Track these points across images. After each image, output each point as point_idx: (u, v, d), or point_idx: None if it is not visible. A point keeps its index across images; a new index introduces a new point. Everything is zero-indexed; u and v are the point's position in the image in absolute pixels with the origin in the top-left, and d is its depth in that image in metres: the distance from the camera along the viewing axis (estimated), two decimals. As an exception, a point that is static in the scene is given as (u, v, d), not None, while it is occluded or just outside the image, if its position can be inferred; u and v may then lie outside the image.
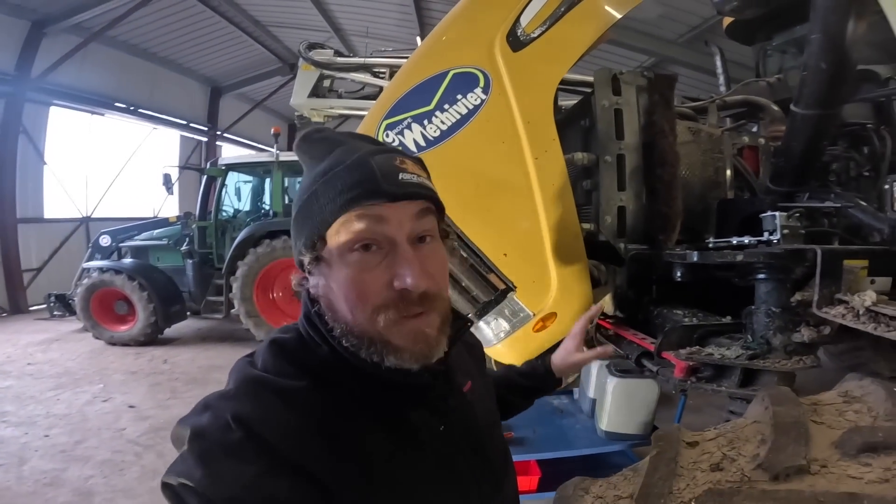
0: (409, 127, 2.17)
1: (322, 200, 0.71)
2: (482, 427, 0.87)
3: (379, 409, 0.73)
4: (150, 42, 11.59)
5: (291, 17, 11.80)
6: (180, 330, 7.90)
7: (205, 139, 15.03)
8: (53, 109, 10.41)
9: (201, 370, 6.14)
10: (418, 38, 11.05)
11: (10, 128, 9.34)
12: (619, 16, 2.29)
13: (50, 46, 9.50)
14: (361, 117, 2.38)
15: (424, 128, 2.16)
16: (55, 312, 8.52)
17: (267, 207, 7.68)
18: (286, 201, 7.52)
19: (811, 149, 2.07)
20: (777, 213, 1.79)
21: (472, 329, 1.04)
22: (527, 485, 2.73)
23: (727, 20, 3.89)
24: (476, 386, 0.92)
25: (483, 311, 2.10)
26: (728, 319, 2.02)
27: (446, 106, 2.15)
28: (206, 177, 8.04)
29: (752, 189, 2.73)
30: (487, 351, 2.14)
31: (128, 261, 7.82)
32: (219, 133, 15.34)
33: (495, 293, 2.12)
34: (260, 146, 16.24)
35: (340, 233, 0.69)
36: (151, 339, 7.21)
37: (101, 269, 7.25)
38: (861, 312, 1.43)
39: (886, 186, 1.70)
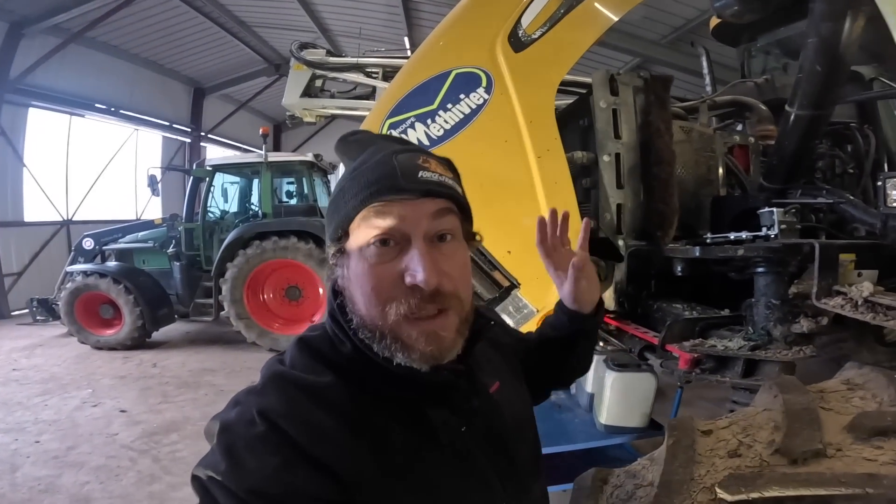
0: (412, 126, 2.19)
1: (347, 196, 0.74)
2: (510, 428, 0.86)
3: (399, 406, 0.74)
4: (131, 43, 11.39)
5: (277, 17, 11.69)
6: (168, 333, 7.79)
7: (188, 140, 14.82)
8: (32, 111, 10.18)
9: (192, 373, 6.06)
10: (406, 39, 11.05)
11: (-12, 130, 9.14)
12: (615, 18, 2.34)
13: (28, 47, 9.29)
14: (353, 117, 2.40)
15: (428, 127, 2.18)
16: (38, 317, 8.34)
17: (255, 209, 7.62)
18: (275, 202, 7.48)
19: (803, 147, 2.14)
20: (775, 209, 1.85)
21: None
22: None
23: (714, 22, 3.97)
24: (505, 386, 0.92)
25: (486, 308, 2.13)
26: (727, 312, 2.08)
27: (449, 105, 2.18)
28: (192, 178, 7.94)
29: (743, 186, 2.80)
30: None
31: (112, 264, 7.68)
32: (203, 134, 15.14)
33: (500, 290, 2.16)
34: (245, 147, 16.08)
35: (360, 227, 0.72)
36: (139, 342, 7.10)
37: (85, 273, 7.12)
38: (859, 303, 1.49)
39: (879, 183, 1.76)
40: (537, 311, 2.17)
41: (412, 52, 3.10)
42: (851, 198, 2.06)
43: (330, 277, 0.80)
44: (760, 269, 1.89)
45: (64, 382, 5.72)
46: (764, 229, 1.88)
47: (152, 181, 7.72)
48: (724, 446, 1.12)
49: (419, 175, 0.72)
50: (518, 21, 2.20)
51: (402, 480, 0.69)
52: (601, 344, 2.59)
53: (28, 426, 4.48)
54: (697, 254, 2.02)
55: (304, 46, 4.68)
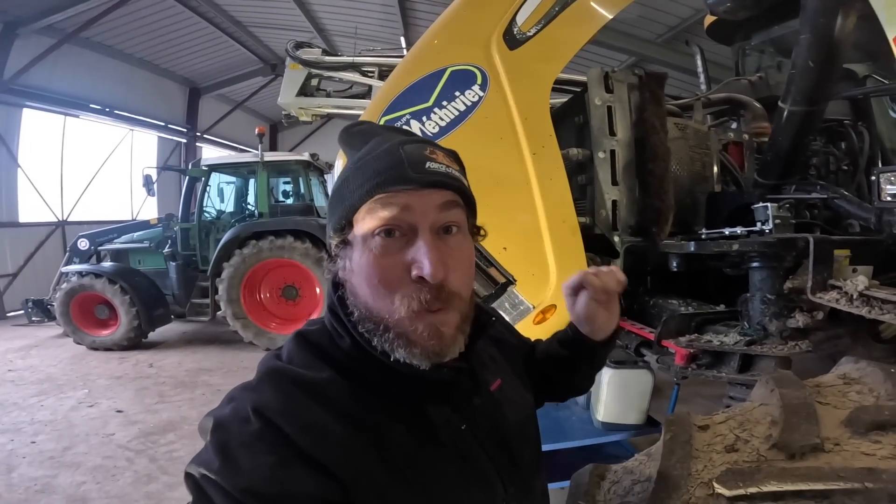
0: (407, 123, 2.19)
1: (352, 186, 0.72)
2: (511, 426, 0.85)
3: (400, 404, 0.73)
4: (126, 43, 11.34)
5: (273, 17, 11.67)
6: (165, 334, 7.75)
7: (184, 140, 14.77)
8: (27, 111, 10.13)
9: (189, 373, 6.03)
10: (402, 38, 11.04)
11: (-18, 131, 9.09)
12: (610, 16, 2.34)
13: (22, 48, 9.24)
14: (349, 116, 2.39)
15: (423, 124, 2.18)
16: (33, 318, 8.30)
17: (252, 208, 7.60)
18: (272, 202, 7.46)
19: (797, 144, 2.15)
20: (769, 205, 1.85)
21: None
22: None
23: (708, 20, 3.98)
24: (507, 384, 0.91)
25: (484, 304, 2.13)
26: (722, 308, 2.09)
27: (444, 102, 2.18)
28: (188, 178, 7.92)
29: (737, 183, 2.81)
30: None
31: (108, 264, 7.64)
32: (198, 134, 15.09)
33: (496, 287, 2.15)
34: (241, 147, 16.03)
35: (366, 218, 0.70)
36: (135, 343, 7.07)
37: (81, 273, 7.08)
38: (854, 297, 1.49)
39: (873, 178, 1.77)
40: (533, 307, 2.17)
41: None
42: (846, 193, 2.07)
43: (331, 270, 0.78)
44: (755, 264, 1.90)
45: (60, 383, 5.68)
46: (758, 224, 1.88)
47: (148, 181, 7.69)
48: (722, 441, 1.12)
49: (427, 166, 0.71)
50: (513, 19, 2.20)
51: (402, 480, 0.67)
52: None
53: (24, 427, 4.45)
54: (692, 249, 2.03)
55: (300, 46, 4.68)
